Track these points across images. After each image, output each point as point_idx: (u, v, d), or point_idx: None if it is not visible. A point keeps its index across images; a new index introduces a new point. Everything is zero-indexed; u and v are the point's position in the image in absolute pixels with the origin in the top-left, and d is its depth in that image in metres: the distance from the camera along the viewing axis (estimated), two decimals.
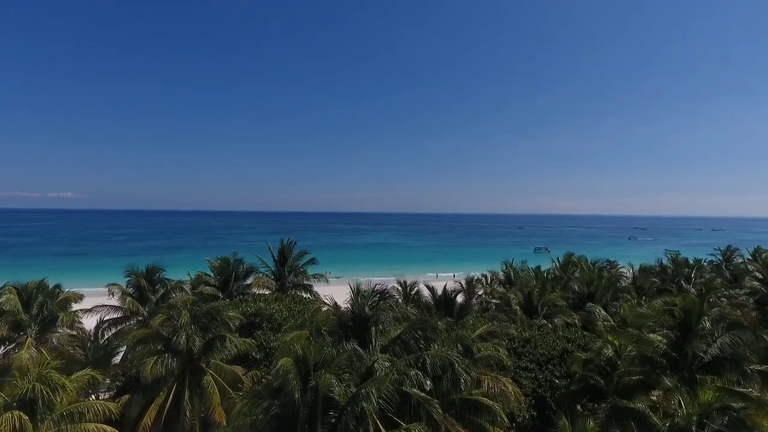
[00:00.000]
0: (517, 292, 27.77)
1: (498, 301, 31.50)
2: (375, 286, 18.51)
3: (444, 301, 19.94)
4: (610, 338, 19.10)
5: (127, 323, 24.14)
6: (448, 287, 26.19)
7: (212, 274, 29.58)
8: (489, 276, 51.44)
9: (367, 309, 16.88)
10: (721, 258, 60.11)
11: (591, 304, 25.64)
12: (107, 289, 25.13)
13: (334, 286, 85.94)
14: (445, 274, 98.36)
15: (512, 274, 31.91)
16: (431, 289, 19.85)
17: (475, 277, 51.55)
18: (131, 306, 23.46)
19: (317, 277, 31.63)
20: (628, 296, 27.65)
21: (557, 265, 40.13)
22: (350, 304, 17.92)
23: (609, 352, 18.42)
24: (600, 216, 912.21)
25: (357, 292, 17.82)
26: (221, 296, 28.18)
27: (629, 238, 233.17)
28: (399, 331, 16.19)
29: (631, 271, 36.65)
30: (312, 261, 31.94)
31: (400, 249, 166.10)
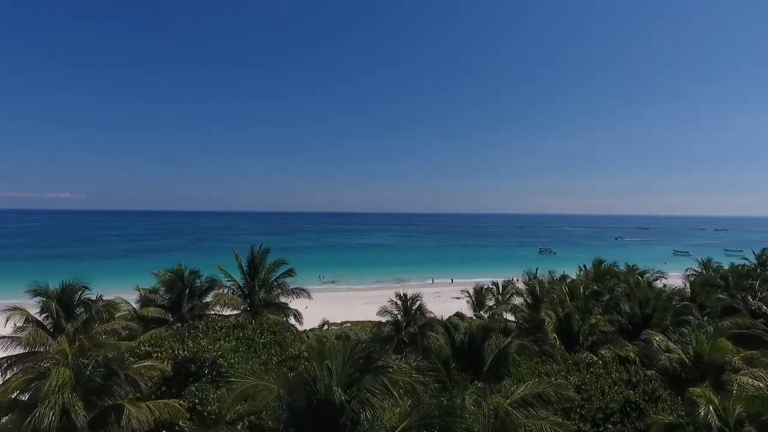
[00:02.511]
0: (550, 312, 21.58)
1: (519, 321, 25.31)
2: (357, 347, 10.98)
3: (468, 350, 13.16)
4: (706, 394, 12.93)
5: (39, 362, 17.82)
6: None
7: (162, 290, 23.33)
8: (500, 284, 45.29)
9: (338, 394, 9.43)
10: (756, 262, 53.87)
11: (649, 331, 19.52)
12: (9, 312, 18.70)
13: (326, 293, 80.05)
14: (442, 280, 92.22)
15: (538, 289, 25.71)
16: (447, 328, 13.20)
17: (485, 286, 45.54)
18: (34, 338, 17.18)
19: (297, 292, 25.39)
20: (692, 318, 21.49)
21: (585, 273, 33.95)
22: (312, 383, 10.27)
23: (711, 417, 12.26)
24: (600, 216, 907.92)
25: (327, 366, 10.21)
26: (171, 319, 22.07)
27: (616, 239, 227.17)
28: (401, 423, 9.64)
29: (686, 284, 30.37)
30: (289, 273, 25.72)
31: (398, 250, 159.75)
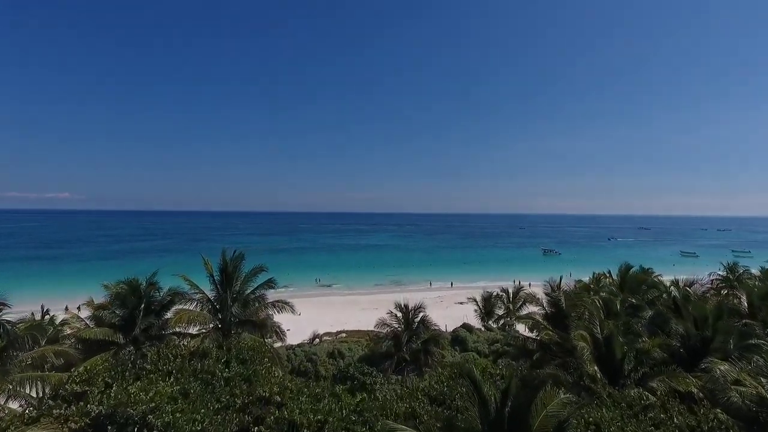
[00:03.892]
0: (584, 333, 17.59)
1: (541, 338, 21.32)
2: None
3: (509, 420, 8.94)
4: None
5: None
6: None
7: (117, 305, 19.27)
8: (511, 291, 41.36)
9: None
10: None
11: (712, 359, 15.59)
12: None
13: (321, 298, 75.57)
14: (442, 283, 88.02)
15: (564, 301, 21.70)
16: (476, 385, 9.01)
17: (494, 294, 41.60)
18: None
19: (278, 305, 21.34)
20: (763, 343, 17.46)
21: (613, 280, 29.94)
22: None
23: None
24: (600, 216, 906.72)
25: None
26: (122, 341, 18.11)
27: (609, 239, 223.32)
28: None
29: (741, 296, 26.11)
30: (269, 284, 21.61)
31: (398, 251, 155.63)
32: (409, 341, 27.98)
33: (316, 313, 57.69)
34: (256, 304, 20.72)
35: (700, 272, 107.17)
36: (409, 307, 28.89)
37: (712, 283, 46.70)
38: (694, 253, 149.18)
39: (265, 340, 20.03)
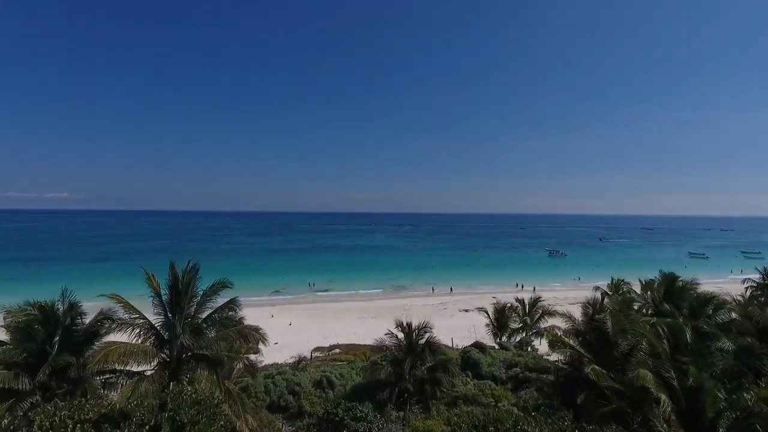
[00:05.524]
0: (652, 376, 12.86)
1: (587, 372, 16.47)
2: None
3: None
4: None
5: None
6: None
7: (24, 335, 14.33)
8: (527, 302, 36.45)
9: None
10: None
11: None
12: None
13: (315, 305, 70.06)
14: (442, 287, 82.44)
15: (610, 325, 16.88)
16: None
17: (508, 305, 36.72)
18: None
19: (247, 333, 16.38)
20: None
21: (652, 293, 25.05)
22: None
23: None
24: (600, 216, 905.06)
25: None
26: (27, 387, 13.35)
27: (600, 240, 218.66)
28: None
29: None
30: (230, 306, 16.72)
31: (398, 253, 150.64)
32: (412, 368, 23.22)
33: (308, 322, 52.78)
34: (213, 331, 15.86)
35: (714, 274, 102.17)
36: (412, 326, 24.05)
37: (746, 291, 41.84)
38: (704, 254, 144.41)
39: (225, 385, 15.13)
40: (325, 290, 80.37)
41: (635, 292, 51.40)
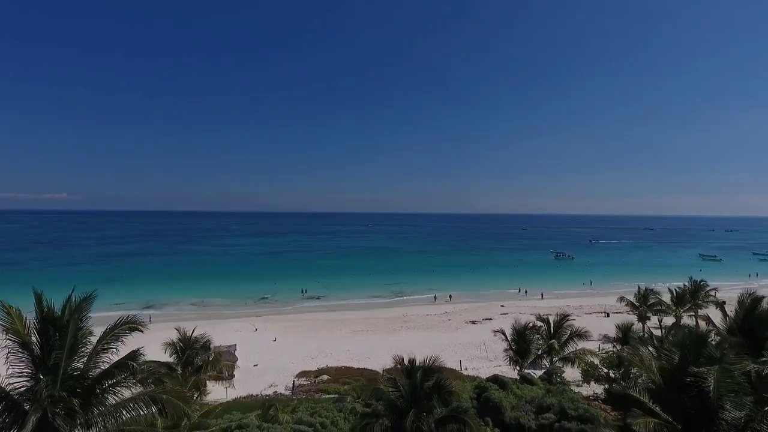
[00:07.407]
0: None
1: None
2: None
3: None
4: None
5: None
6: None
7: None
8: (552, 321, 30.63)
9: None
10: None
11: None
12: None
13: (305, 315, 62.02)
14: (443, 292, 76.02)
15: (656, 372, 11.12)
16: None
17: (530, 325, 30.80)
18: None
19: (164, 402, 10.51)
20: None
21: (728, 320, 19.31)
22: None
23: None
24: (599, 216, 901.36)
25: None
26: None
27: (590, 241, 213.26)
28: None
29: None
30: (133, 356, 10.74)
31: (397, 255, 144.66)
32: (417, 420, 17.58)
33: (296, 337, 46.75)
34: (108, 400, 10.08)
35: (731, 278, 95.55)
36: (416, 363, 18.34)
37: None
38: (716, 256, 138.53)
39: None
40: (318, 297, 74.39)
41: (665, 303, 45.99)
